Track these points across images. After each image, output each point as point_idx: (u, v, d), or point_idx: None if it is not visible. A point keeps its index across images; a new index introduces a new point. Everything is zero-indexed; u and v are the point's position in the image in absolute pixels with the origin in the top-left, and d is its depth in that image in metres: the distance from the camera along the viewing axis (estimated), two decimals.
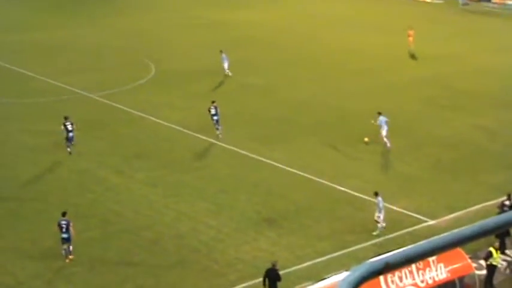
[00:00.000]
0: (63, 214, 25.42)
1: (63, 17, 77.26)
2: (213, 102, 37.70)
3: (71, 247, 25.16)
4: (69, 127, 34.80)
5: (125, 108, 42.41)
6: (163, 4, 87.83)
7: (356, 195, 30.22)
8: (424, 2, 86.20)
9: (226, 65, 50.22)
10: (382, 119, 36.08)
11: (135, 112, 41.71)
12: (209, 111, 37.48)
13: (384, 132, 35.89)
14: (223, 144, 36.35)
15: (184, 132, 38.22)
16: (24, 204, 29.47)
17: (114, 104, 43.27)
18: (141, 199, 30.01)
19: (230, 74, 50.24)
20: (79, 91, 45.75)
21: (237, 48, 58.87)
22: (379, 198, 26.97)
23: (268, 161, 34.32)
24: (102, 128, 39.12)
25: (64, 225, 25.08)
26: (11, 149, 35.96)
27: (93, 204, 29.45)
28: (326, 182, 31.78)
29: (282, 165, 33.76)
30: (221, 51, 50.95)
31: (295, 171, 33.06)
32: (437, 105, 43.93)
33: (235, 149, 35.84)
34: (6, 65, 52.75)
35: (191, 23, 72.20)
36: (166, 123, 39.61)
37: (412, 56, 56.66)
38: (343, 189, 30.92)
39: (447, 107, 43.65)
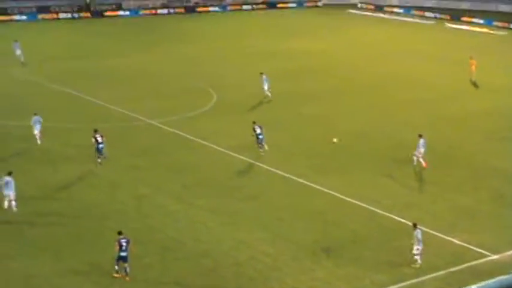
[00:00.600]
0: (120, 233, 25.87)
1: (125, 45, 78.85)
2: (254, 122, 39.52)
3: (128, 268, 25.54)
4: (99, 139, 36.68)
5: (186, 135, 43.00)
6: (225, 33, 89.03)
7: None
8: (488, 32, 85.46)
9: (266, 87, 51.90)
10: (421, 141, 37.00)
11: (196, 139, 42.25)
12: (254, 130, 38.86)
13: (420, 153, 36.90)
14: (281, 172, 36.53)
15: (244, 160, 38.54)
16: (84, 227, 29.99)
17: (175, 131, 43.91)
18: (199, 226, 30.30)
19: (270, 95, 51.75)
20: (142, 118, 46.56)
21: (293, 78, 59.39)
22: (418, 230, 26.66)
23: (324, 189, 34.36)
24: (163, 154, 39.71)
25: (124, 244, 25.52)
26: (72, 172, 36.69)
27: (151, 230, 29.84)
28: (383, 212, 31.67)
29: (338, 193, 33.76)
30: (261, 73, 52.31)
31: (351, 200, 33.03)
32: (498, 137, 43.45)
33: (293, 177, 35.97)
34: (72, 92, 53.99)
35: (251, 51, 72.92)
36: (226, 151, 40.00)
37: (474, 85, 56.23)
38: (400, 219, 30.75)
39: (509, 139, 43.14)
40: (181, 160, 38.79)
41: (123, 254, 25.46)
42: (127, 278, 25.45)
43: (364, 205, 32.42)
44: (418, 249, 26.53)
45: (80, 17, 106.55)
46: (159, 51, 73.39)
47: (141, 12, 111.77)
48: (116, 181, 35.39)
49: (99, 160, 36.69)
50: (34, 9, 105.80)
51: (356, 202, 32.76)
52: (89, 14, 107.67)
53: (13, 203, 30.86)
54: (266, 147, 39.19)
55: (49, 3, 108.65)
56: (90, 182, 35.21)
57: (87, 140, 39.11)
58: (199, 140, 42.07)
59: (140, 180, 35.45)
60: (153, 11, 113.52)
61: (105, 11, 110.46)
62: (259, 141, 38.99)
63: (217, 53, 73.42)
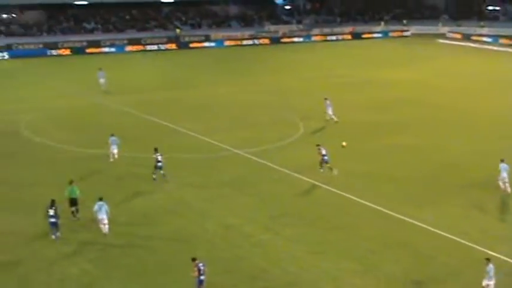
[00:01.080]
0: (194, 259, 26.18)
1: (212, 75, 79.99)
2: (318, 145, 41.51)
3: None
4: (159, 158, 39.94)
5: (273, 166, 43.11)
6: (312, 63, 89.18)
7: (508, 262, 29.16)
8: None
9: (330, 111, 53.94)
10: (503, 166, 37.23)
11: (283, 169, 42.29)
12: (319, 152, 40.69)
13: (502, 178, 37.05)
14: (369, 203, 36.13)
15: (331, 191, 38.33)
16: (173, 256, 30.27)
17: (262, 161, 44.09)
18: (286, 256, 30.20)
19: (336, 119, 53.31)
20: (229, 148, 46.97)
21: (384, 107, 58.90)
22: (491, 266, 25.83)
23: (414, 221, 33.74)
24: (251, 184, 39.88)
25: (202, 268, 25.90)
26: (162, 200, 37.21)
27: (239, 260, 29.90)
28: (476, 246, 30.88)
29: (430, 226, 33.09)
30: (326, 99, 54.68)
31: (443, 233, 32.31)
32: None
33: (381, 208, 35.53)
34: (161, 122, 54.99)
35: (339, 81, 72.90)
36: (313, 181, 39.88)
37: None
38: (493, 253, 29.92)
39: None
40: (268, 190, 38.86)
41: (202, 277, 25.87)
42: None
43: (456, 238, 31.68)
44: (488, 284, 25.75)
45: (166, 49, 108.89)
46: (246, 82, 74.20)
47: (226, 43, 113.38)
48: (204, 210, 35.71)
49: (154, 176, 39.80)
50: (125, 41, 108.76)
51: (448, 235, 32.04)
52: (175, 46, 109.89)
53: (106, 226, 32.12)
54: (335, 171, 40.52)
55: (140, 35, 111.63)
56: (180, 211, 35.61)
57: (177, 170, 39.74)
58: (286, 171, 42.10)
59: (228, 210, 35.67)
60: (238, 42, 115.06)
61: (192, 42, 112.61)
62: (324, 162, 40.78)
63: (305, 83, 73.70)
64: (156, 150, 40.41)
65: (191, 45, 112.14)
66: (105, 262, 29.68)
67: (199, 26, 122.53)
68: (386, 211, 35.19)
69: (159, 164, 39.78)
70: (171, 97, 65.80)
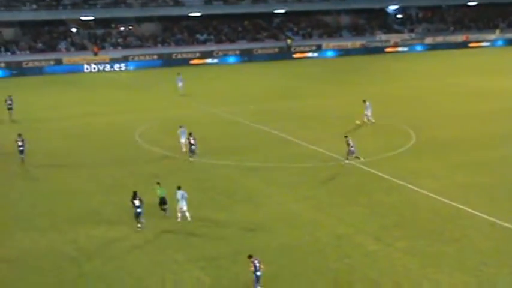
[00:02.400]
0: (250, 256, 27.50)
1: (321, 84, 79.90)
2: (345, 136, 45.31)
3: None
4: None
5: (385, 176, 42.60)
6: (423, 71, 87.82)
7: None
8: None
9: (369, 113, 56.54)
10: None
11: (395, 180, 41.74)
12: (347, 142, 43.60)
13: None
14: (485, 216, 35.18)
15: (445, 202, 37.54)
16: (285, 266, 30.22)
17: (373, 171, 43.65)
18: (399, 268, 29.72)
19: (373, 120, 56.56)
20: (340, 157, 46.73)
21: (497, 118, 57.32)
22: None
23: None
24: (362, 194, 39.52)
25: (257, 264, 27.22)
26: (272, 209, 37.35)
27: (351, 271, 29.63)
28: None
29: None
30: (364, 101, 57.46)
31: None
32: None
33: (496, 220, 34.50)
34: (271, 131, 55.36)
35: (452, 90, 71.42)
36: (426, 193, 39.18)
37: None
38: None
39: None
40: (380, 200, 38.41)
41: (258, 273, 27.09)
42: None
43: None
44: None
45: (276, 59, 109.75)
46: (355, 91, 73.68)
47: (336, 52, 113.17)
48: (315, 220, 35.61)
49: None
50: (237, 52, 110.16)
51: None
52: (284, 55, 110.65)
53: (187, 213, 35.42)
54: (362, 159, 45.12)
55: (252, 46, 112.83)
56: (290, 220, 35.65)
57: (288, 179, 39.80)
58: (398, 181, 41.53)
59: (340, 220, 35.44)
60: (348, 52, 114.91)
61: (302, 52, 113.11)
62: (351, 153, 44.54)
63: (418, 92, 72.69)
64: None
65: (301, 55, 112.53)
66: (216, 270, 30.01)
67: (310, 36, 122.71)
68: (502, 223, 34.18)
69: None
70: (281, 107, 66.17)
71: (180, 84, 76.39)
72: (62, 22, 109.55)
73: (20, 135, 48.56)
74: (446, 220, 35.09)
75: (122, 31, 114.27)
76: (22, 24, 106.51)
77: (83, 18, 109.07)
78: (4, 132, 57.07)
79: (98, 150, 50.98)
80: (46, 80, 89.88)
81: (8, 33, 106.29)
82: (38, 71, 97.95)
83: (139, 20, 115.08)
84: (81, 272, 29.87)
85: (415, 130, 53.96)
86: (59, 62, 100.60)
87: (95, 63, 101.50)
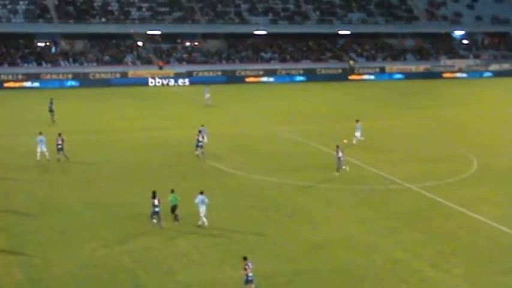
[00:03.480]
0: (245, 259, 28.60)
1: (382, 107, 79.57)
2: (337, 146, 47.44)
3: None
4: None
5: (444, 202, 42.28)
6: (488, 97, 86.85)
7: None
8: None
9: (358, 134, 57.72)
10: None
11: (454, 206, 41.39)
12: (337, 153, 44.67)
13: None
14: None
15: (505, 231, 37.08)
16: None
17: (433, 197, 43.36)
18: None
19: (362, 138, 57.80)
20: (399, 181, 46.56)
21: None
22: None
23: None
24: (420, 219, 39.30)
25: (251, 266, 28.44)
26: (330, 231, 37.39)
27: None
28: None
29: None
30: (357, 121, 58.48)
31: None
32: None
33: None
34: (331, 152, 55.39)
35: None
36: (486, 220, 38.77)
37: None
38: None
39: None
40: (438, 226, 38.14)
41: (250, 275, 28.62)
42: None
43: None
44: None
45: (335, 80, 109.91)
46: (417, 115, 73.36)
47: (398, 75, 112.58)
48: (372, 244, 35.53)
49: None
50: (301, 71, 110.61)
51: None
52: (342, 76, 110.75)
53: (204, 218, 37.14)
54: (347, 168, 48.08)
55: (315, 66, 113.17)
56: (348, 242, 35.64)
57: (346, 200, 39.84)
58: (458, 207, 41.18)
59: (396, 244, 35.31)
60: (410, 75, 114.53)
61: (364, 74, 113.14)
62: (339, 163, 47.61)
63: (482, 118, 71.96)
64: None
65: (363, 76, 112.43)
66: None
67: (374, 59, 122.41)
68: None
69: None
70: (342, 127, 66.18)
71: (207, 95, 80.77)
72: (129, 36, 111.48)
73: (60, 134, 51.73)
74: (506, 249, 34.68)
75: (187, 46, 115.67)
76: (91, 36, 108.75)
77: (150, 32, 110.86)
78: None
79: (161, 164, 51.67)
80: (112, 91, 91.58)
81: (78, 45, 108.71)
82: (104, 82, 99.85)
83: (205, 36, 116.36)
84: (137, 284, 30.35)
85: (477, 157, 53.44)
86: (124, 74, 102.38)
87: (159, 77, 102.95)
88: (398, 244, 35.31)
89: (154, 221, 37.05)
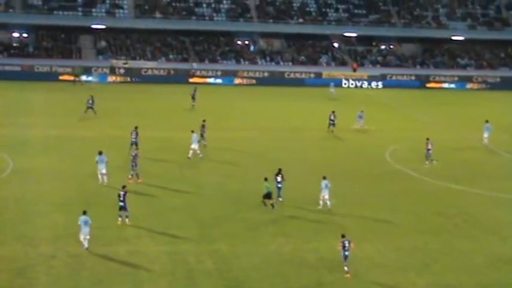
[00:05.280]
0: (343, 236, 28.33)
1: None
2: (427, 139, 50.38)
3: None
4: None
5: None
6: None
7: None
8: None
9: (486, 135, 59.35)
10: None
11: None
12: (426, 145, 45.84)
13: None
14: None
15: None
16: None
17: None
18: None
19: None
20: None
21: None
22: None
23: None
24: None
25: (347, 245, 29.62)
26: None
27: None
28: None
29: None
30: (486, 121, 59.74)
31: None
32: None
33: None
34: None
35: None
36: None
37: None
38: None
39: None
40: None
41: (346, 253, 31.16)
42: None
43: None
44: None
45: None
46: None
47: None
48: None
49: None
50: (498, 79, 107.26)
51: None
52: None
53: (328, 202, 39.92)
54: (435, 162, 51.05)
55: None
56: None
57: None
58: None
59: None
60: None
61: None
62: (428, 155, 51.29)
63: None
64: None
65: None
66: None
67: None
68: None
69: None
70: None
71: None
72: (325, 37, 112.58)
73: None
74: None
75: (382, 49, 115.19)
76: (288, 36, 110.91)
77: (346, 34, 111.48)
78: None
79: (347, 164, 52.13)
80: (306, 92, 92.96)
81: (276, 44, 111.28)
82: (299, 82, 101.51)
83: (400, 40, 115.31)
84: (321, 282, 31.04)
85: None
86: (318, 75, 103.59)
87: (353, 79, 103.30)
88: None
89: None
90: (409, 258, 33.90)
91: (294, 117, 72.41)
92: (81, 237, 33.26)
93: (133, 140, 50.98)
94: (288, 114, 73.81)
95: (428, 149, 51.91)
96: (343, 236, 31.54)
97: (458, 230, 38.36)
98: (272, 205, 39.82)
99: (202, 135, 53.71)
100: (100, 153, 43.92)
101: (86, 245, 33.12)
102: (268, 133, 62.49)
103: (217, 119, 64.23)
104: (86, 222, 33.29)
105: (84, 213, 33.77)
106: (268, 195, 39.90)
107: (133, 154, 45.57)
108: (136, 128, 51.53)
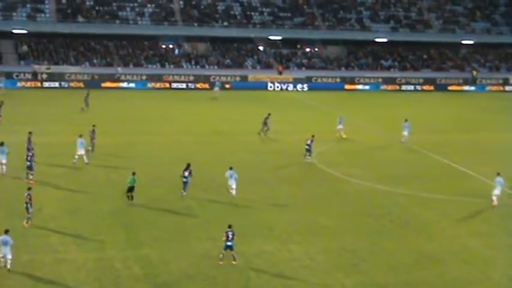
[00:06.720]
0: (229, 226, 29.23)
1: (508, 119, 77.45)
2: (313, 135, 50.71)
3: None
4: None
5: None
6: None
7: None
8: None
9: (406, 133, 60.94)
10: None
11: None
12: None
13: None
14: None
15: None
16: None
17: None
18: None
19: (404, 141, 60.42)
20: None
21: None
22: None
23: None
24: None
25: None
26: (445, 243, 36.71)
27: None
28: None
29: None
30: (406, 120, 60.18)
31: None
32: None
33: None
34: (451, 164, 54.42)
35: None
36: None
37: None
38: None
39: None
40: None
41: (229, 243, 32.43)
42: None
43: None
44: None
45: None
46: None
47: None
48: (489, 258, 34.72)
49: None
50: (421, 81, 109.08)
51: None
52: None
53: (233, 191, 41.90)
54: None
55: (435, 75, 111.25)
56: (463, 256, 34.95)
57: (462, 212, 39.05)
58: None
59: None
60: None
61: (488, 85, 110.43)
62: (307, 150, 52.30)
63: None
64: None
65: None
66: None
67: (498, 69, 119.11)
68: None
69: None
70: (462, 139, 64.86)
71: (340, 126, 69.18)
72: (250, 40, 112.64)
73: (94, 126, 53.24)
74: None
75: (307, 52, 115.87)
76: (213, 40, 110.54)
77: (270, 37, 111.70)
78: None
79: (275, 168, 51.99)
80: (231, 95, 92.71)
81: (201, 48, 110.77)
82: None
83: (325, 42, 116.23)
84: (248, 285, 30.73)
85: None
86: (244, 78, 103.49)
87: (278, 82, 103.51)
88: None
89: (184, 193, 42.24)
90: (337, 259, 33.88)
91: (219, 119, 72.10)
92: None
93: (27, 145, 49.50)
94: (212, 117, 73.43)
95: (308, 144, 53.27)
96: (229, 227, 32.72)
97: (385, 230, 38.58)
98: (132, 197, 40.80)
99: (92, 141, 52.82)
100: (1, 144, 45.54)
101: (8, 266, 30.65)
102: (193, 137, 61.96)
103: (139, 123, 63.17)
104: (5, 243, 30.54)
105: (6, 232, 31.01)
106: (130, 189, 40.75)
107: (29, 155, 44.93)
108: (30, 133, 50.68)
